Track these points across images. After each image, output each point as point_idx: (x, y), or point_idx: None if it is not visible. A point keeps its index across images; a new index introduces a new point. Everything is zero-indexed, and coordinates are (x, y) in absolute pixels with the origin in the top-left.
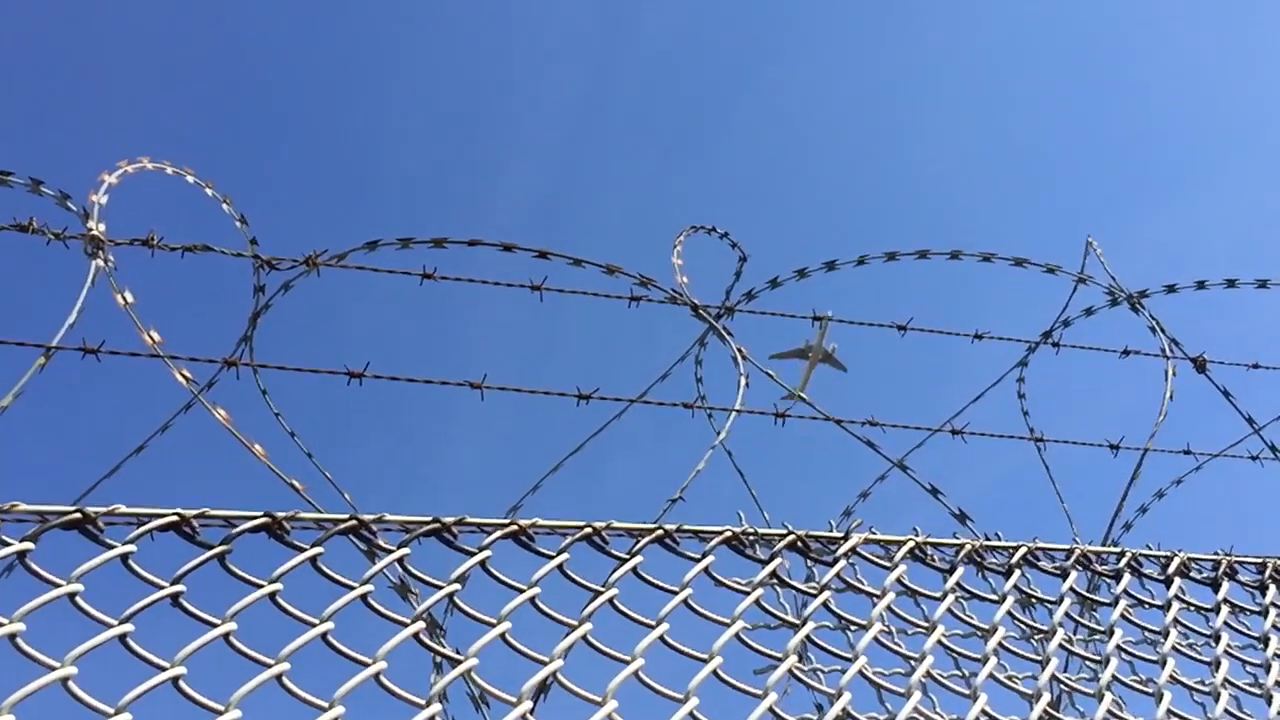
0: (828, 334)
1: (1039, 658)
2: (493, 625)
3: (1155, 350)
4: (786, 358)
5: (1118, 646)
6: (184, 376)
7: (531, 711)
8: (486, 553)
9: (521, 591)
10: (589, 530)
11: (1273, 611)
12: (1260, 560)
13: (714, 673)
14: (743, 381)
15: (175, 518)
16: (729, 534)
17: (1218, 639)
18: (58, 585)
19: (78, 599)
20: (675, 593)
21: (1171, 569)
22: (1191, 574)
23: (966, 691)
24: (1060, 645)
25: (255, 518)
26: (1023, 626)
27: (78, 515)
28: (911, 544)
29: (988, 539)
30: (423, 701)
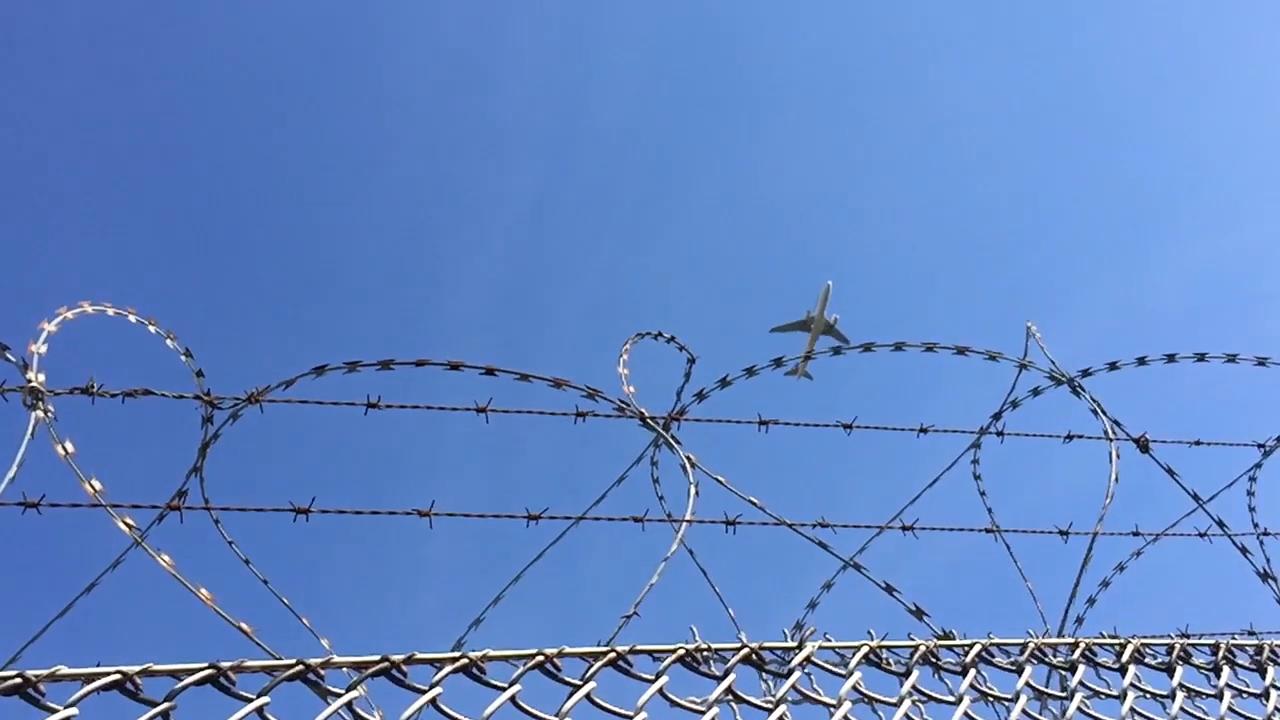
0: (829, 303)
1: None
2: None
3: (1099, 431)
4: (787, 330)
5: None
6: (127, 524)
7: None
8: (437, 690)
9: None
10: (540, 659)
11: (1228, 694)
12: (1213, 642)
13: None
14: (692, 490)
15: (118, 676)
16: (682, 652)
17: None
18: None
19: None
20: (630, 718)
21: (1125, 657)
22: (1146, 660)
23: None
24: None
25: (200, 670)
26: None
27: (18, 680)
28: (866, 649)
29: (942, 636)
30: None
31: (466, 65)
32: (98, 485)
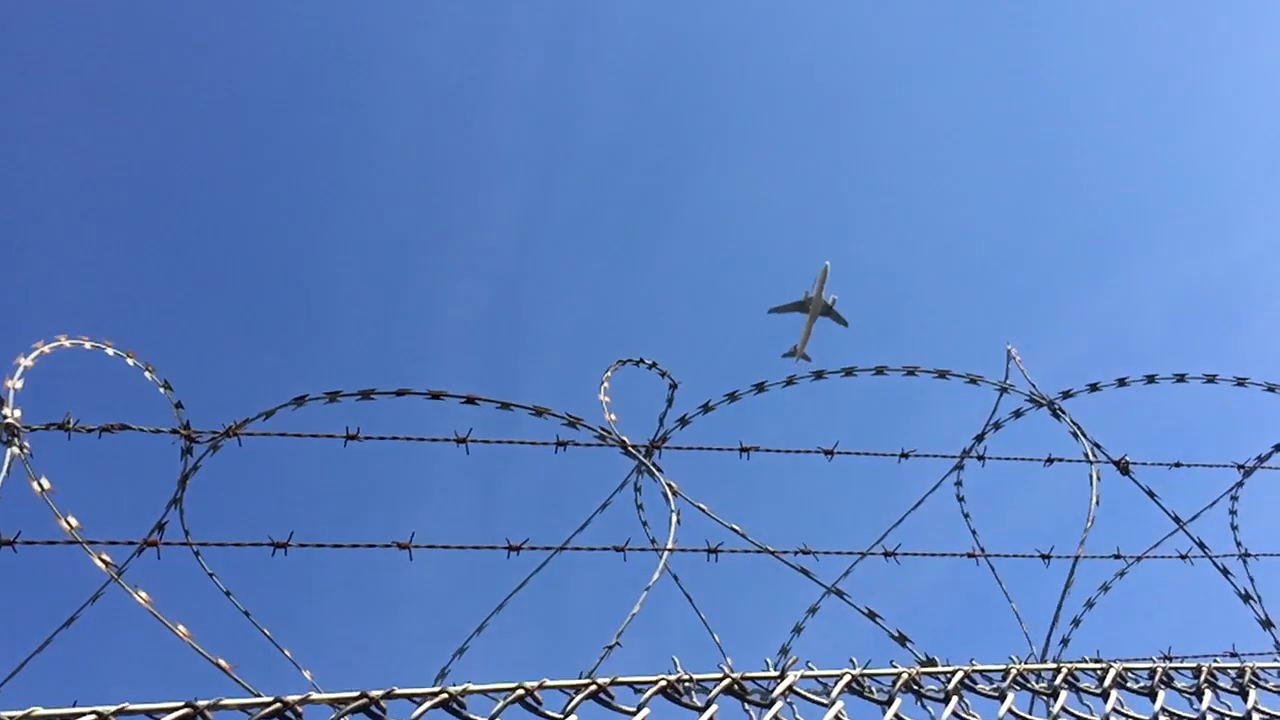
0: (827, 284)
1: None
2: None
3: (1080, 453)
4: (785, 311)
5: None
6: (103, 561)
7: None
8: None
9: None
10: (521, 692)
11: (1210, 717)
12: (1195, 666)
13: None
14: (673, 518)
15: (93, 717)
16: (664, 683)
17: None
18: None
19: None
20: None
21: (1108, 681)
22: (1128, 685)
23: None
24: None
25: (176, 709)
26: None
27: None
28: (848, 677)
29: (925, 662)
30: None
31: (452, 90)
32: (74, 522)
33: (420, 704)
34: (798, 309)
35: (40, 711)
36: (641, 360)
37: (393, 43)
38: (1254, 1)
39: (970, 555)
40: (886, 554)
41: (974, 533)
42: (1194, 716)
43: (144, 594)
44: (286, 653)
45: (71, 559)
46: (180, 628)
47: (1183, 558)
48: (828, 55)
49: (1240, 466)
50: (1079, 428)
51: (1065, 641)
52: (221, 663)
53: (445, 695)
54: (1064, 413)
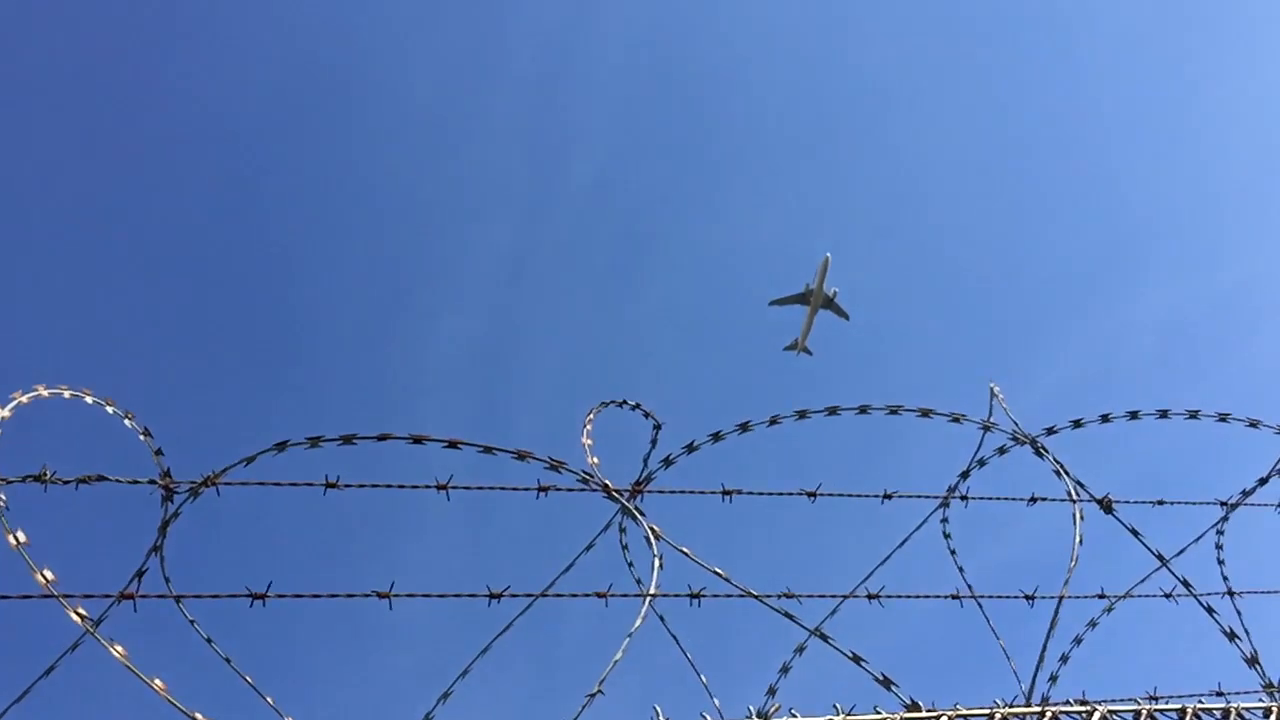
0: (828, 276)
1: None
2: None
3: (1064, 491)
4: (786, 303)
5: None
6: (79, 615)
7: None
8: None
9: None
10: None
11: None
12: (1180, 707)
13: None
14: (656, 563)
15: None
16: None
17: None
18: None
19: None
20: None
21: None
22: None
23: None
24: None
25: None
26: None
27: None
28: None
29: (910, 706)
30: None
31: (440, 126)
32: (50, 575)
33: None
34: (799, 301)
35: None
36: (625, 402)
37: (381, 80)
38: (1233, 41)
39: (954, 597)
40: (870, 596)
41: (961, 570)
42: None
43: (120, 648)
44: (268, 700)
45: (48, 612)
46: (156, 681)
47: (1167, 596)
48: (812, 89)
49: (1223, 503)
50: (1062, 466)
51: (1054, 678)
52: (198, 716)
53: None
54: (1046, 451)
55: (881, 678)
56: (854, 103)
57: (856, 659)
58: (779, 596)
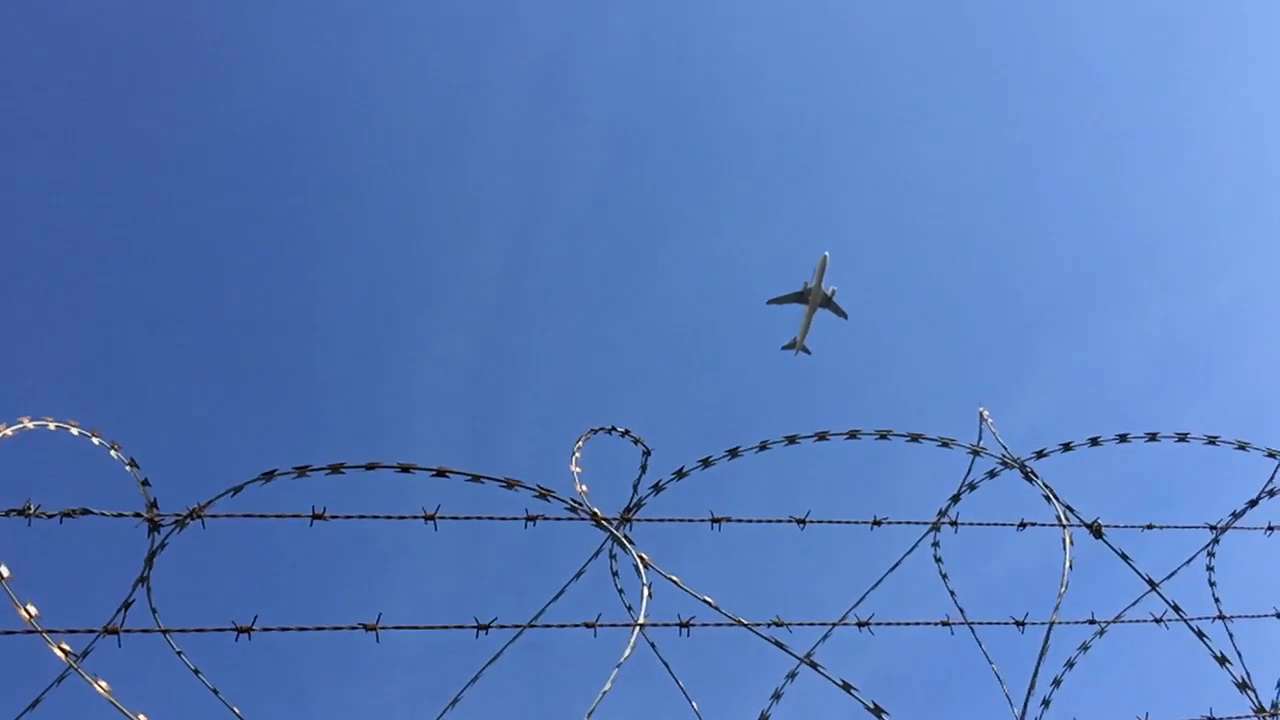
0: (826, 274)
1: None
2: None
3: (1053, 515)
4: (784, 302)
5: None
6: (62, 650)
7: None
8: None
9: None
10: None
11: None
12: None
13: None
14: (645, 592)
15: None
16: None
17: None
18: None
19: None
20: None
21: None
22: None
23: None
24: None
25: None
26: None
27: None
28: None
29: None
30: None
31: (431, 148)
32: (33, 610)
33: None
34: (797, 300)
35: None
36: (614, 428)
37: (369, 100)
38: (1220, 61)
39: (945, 624)
40: (860, 624)
41: (952, 594)
42: None
43: (104, 683)
44: None
45: (31, 648)
46: (141, 716)
47: (1157, 621)
48: (803, 108)
49: (1213, 527)
50: (1051, 491)
51: (1046, 703)
52: None
53: None
54: (1035, 475)
55: (872, 706)
56: (844, 118)
57: (847, 687)
58: (769, 625)
